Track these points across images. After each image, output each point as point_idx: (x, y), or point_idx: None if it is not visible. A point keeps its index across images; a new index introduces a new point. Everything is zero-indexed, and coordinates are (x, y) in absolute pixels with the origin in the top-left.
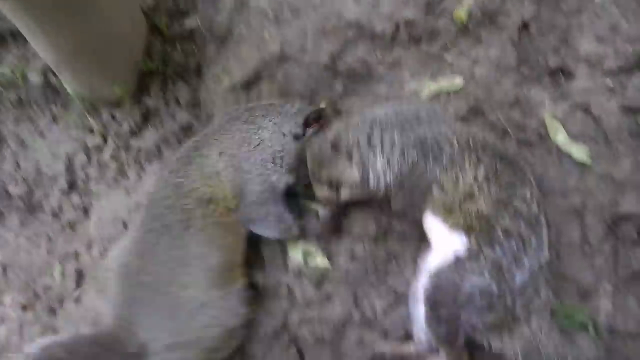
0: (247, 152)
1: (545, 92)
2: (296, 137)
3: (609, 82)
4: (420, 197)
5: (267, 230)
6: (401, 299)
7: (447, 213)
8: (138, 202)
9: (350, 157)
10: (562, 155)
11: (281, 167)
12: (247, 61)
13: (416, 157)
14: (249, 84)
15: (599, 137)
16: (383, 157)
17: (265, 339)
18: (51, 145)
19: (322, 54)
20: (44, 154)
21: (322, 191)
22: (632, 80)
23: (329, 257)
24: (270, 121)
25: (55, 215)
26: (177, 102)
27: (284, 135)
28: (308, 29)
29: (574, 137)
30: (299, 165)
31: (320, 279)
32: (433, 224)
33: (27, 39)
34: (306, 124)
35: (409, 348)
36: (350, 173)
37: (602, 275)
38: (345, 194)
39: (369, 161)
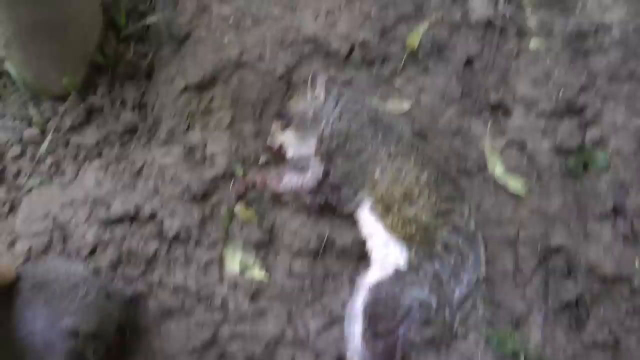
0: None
1: (485, 126)
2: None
3: (541, 123)
4: (361, 173)
5: None
6: (336, 319)
7: (385, 211)
8: (74, 198)
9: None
10: (498, 187)
11: None
12: (204, 63)
13: (368, 123)
14: (203, 87)
15: (532, 174)
16: (337, 107)
17: (193, 353)
18: None
19: (279, 64)
20: None
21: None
22: (562, 124)
23: (267, 270)
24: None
25: None
26: (123, 103)
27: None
28: (267, 39)
29: (509, 170)
30: None
31: (256, 292)
32: (370, 223)
33: None
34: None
35: None
36: (305, 106)
37: (533, 305)
38: (289, 139)
39: (325, 102)
